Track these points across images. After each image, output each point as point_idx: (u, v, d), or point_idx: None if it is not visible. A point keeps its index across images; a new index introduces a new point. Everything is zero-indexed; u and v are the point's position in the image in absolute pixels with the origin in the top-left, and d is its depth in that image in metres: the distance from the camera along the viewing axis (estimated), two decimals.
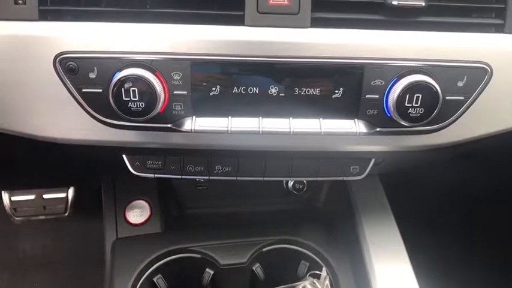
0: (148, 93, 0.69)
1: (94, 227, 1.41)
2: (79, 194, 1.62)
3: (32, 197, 1.57)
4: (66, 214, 1.65)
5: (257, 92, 0.74)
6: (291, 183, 1.31)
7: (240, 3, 0.72)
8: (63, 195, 1.61)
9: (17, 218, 1.62)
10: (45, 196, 1.58)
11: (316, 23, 0.73)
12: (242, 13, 0.72)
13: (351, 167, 0.93)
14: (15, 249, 1.79)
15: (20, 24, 0.71)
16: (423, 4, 0.73)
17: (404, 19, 0.75)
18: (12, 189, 1.52)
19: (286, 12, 0.72)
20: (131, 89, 0.69)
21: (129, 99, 0.70)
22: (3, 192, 1.53)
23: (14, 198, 1.56)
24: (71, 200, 1.62)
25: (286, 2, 0.72)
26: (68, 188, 1.60)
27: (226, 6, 0.73)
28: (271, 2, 0.72)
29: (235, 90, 0.74)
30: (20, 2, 0.70)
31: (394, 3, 0.73)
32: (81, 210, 1.66)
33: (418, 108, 0.72)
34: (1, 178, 1.29)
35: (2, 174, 1.19)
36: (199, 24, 0.72)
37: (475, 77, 0.75)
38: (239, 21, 0.72)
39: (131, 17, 0.72)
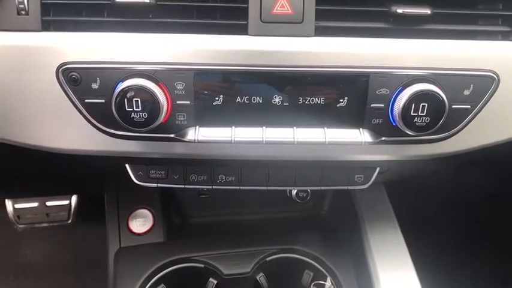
0: (151, 103, 0.69)
1: (97, 234, 1.41)
2: (82, 201, 1.62)
3: (35, 204, 1.57)
4: (69, 221, 1.65)
5: (261, 101, 0.74)
6: (294, 192, 1.29)
7: (243, 12, 0.71)
8: (66, 202, 1.61)
9: (20, 226, 1.62)
10: (48, 203, 1.58)
11: (320, 31, 0.72)
12: (245, 22, 0.71)
13: (356, 176, 0.92)
14: (18, 256, 1.79)
15: (23, 35, 0.71)
16: (428, 12, 0.72)
17: (410, 27, 0.74)
18: (15, 197, 1.52)
19: (290, 21, 0.71)
20: (134, 100, 0.69)
21: (131, 109, 0.69)
22: (6, 199, 1.53)
23: (17, 206, 1.57)
24: (74, 208, 1.62)
25: (289, 11, 0.71)
26: (71, 196, 1.60)
27: (229, 16, 0.72)
28: (274, 11, 0.71)
29: (238, 99, 0.73)
30: (23, 12, 0.70)
31: (399, 11, 0.72)
32: (84, 217, 1.66)
33: (424, 118, 0.71)
34: (4, 187, 1.29)
35: (5, 183, 1.19)
36: (202, 34, 0.72)
37: (482, 85, 0.74)
38: (242, 30, 0.72)
39: (134, 27, 0.72)
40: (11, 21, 0.70)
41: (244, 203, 1.37)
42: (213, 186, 0.90)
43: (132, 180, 0.91)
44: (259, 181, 0.91)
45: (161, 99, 0.69)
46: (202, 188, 0.92)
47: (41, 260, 1.79)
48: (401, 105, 0.71)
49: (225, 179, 0.90)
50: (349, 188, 0.93)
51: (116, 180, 1.27)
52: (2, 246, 1.79)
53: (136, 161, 0.88)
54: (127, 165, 0.89)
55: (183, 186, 0.90)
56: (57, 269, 1.75)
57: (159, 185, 0.90)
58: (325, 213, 1.43)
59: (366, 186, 0.93)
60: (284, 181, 0.92)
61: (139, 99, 0.68)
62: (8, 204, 1.55)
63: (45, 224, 1.65)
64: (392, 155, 0.82)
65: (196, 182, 0.90)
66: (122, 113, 0.69)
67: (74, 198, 1.61)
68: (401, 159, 0.84)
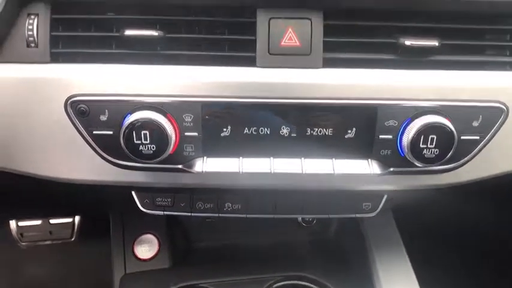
0: (159, 135, 0.69)
1: (100, 253, 1.40)
2: (85, 219, 1.61)
3: (38, 222, 1.56)
4: (73, 239, 1.64)
5: (268, 132, 0.74)
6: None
7: (251, 44, 0.72)
8: (69, 220, 1.60)
9: (23, 243, 1.61)
10: (52, 221, 1.57)
11: (328, 63, 0.73)
12: (253, 54, 0.72)
13: (363, 204, 0.91)
14: (21, 274, 1.78)
15: (32, 67, 0.71)
16: (436, 44, 0.72)
17: (418, 59, 0.74)
18: (18, 218, 1.52)
19: (298, 53, 0.72)
20: (142, 132, 0.69)
21: (140, 141, 0.69)
22: None
23: (20, 223, 1.56)
24: (77, 225, 1.61)
25: (297, 43, 0.71)
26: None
27: (238, 48, 0.73)
28: (282, 43, 0.71)
29: (246, 131, 0.73)
30: (33, 45, 0.71)
31: (407, 43, 0.72)
32: (88, 235, 1.64)
33: (432, 149, 0.71)
34: (7, 209, 1.29)
35: (9, 205, 1.18)
36: (210, 66, 0.72)
37: (491, 116, 0.74)
38: (250, 62, 0.72)
39: (142, 59, 0.72)
40: (21, 53, 0.71)
41: (250, 227, 1.36)
42: (220, 214, 0.90)
43: (138, 208, 0.90)
44: (266, 209, 0.91)
45: (169, 132, 0.69)
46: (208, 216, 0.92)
47: (44, 277, 1.78)
48: (410, 137, 0.71)
49: (232, 207, 0.90)
50: (357, 215, 0.92)
51: (122, 206, 1.26)
52: (5, 264, 1.78)
53: (143, 189, 0.87)
54: (133, 193, 0.89)
55: (189, 214, 0.90)
56: (61, 286, 1.74)
57: (165, 212, 0.90)
58: (332, 237, 1.42)
59: (373, 214, 0.92)
60: (291, 209, 0.91)
61: (147, 132, 0.69)
62: (12, 221, 1.54)
63: (48, 242, 1.63)
64: (400, 185, 0.82)
65: (203, 210, 0.90)
66: (130, 145, 0.69)
67: (77, 217, 1.60)
68: (409, 189, 0.83)
